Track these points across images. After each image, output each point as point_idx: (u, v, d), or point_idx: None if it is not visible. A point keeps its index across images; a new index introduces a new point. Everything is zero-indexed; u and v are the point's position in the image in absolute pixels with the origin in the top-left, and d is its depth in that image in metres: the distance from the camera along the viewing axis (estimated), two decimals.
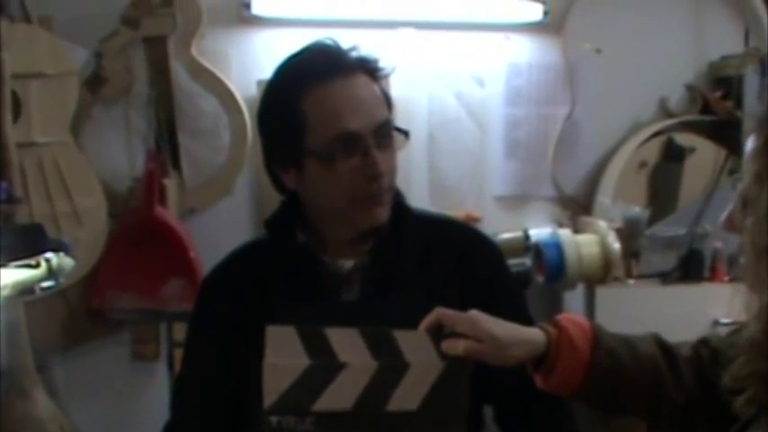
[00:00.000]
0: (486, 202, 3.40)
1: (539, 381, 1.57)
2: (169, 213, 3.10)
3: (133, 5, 3.10)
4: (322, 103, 1.66)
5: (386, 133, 1.69)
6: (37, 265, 2.15)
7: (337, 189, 1.67)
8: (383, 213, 1.71)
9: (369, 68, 1.71)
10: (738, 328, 1.51)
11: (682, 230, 3.11)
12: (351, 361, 1.45)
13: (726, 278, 3.07)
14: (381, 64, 1.73)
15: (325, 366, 1.45)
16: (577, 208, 3.41)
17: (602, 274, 2.99)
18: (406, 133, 1.74)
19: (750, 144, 1.35)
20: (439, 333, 1.48)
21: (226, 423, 1.84)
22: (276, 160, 1.75)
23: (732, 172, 3.23)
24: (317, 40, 1.75)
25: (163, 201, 3.09)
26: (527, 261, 3.13)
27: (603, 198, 3.29)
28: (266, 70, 1.76)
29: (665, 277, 3.08)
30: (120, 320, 3.17)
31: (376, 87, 1.72)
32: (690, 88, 3.41)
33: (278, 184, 1.79)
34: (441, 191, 3.37)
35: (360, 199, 1.68)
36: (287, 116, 1.67)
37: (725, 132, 3.27)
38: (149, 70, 3.15)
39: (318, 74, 1.67)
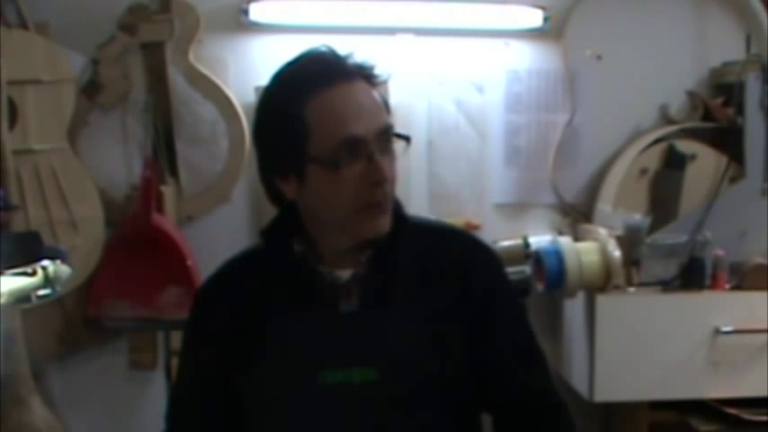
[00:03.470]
0: (486, 209, 3.41)
1: None
2: (166, 221, 3.11)
3: (130, 11, 3.13)
4: (325, 108, 1.63)
5: (388, 139, 1.68)
6: (33, 273, 2.16)
7: (341, 197, 1.65)
8: (386, 222, 1.70)
9: (366, 74, 1.70)
10: None
11: (683, 238, 3.09)
12: None
13: (727, 286, 3.06)
14: (378, 70, 1.72)
15: None
16: (578, 215, 3.41)
17: (602, 282, 2.98)
18: (407, 139, 1.72)
19: None
20: None
21: None
22: (275, 169, 1.72)
23: (733, 179, 3.23)
24: (311, 47, 1.74)
25: (160, 208, 3.10)
26: (527, 269, 3.12)
27: (604, 205, 3.29)
28: (264, 77, 1.75)
29: (665, 285, 3.06)
30: (117, 329, 3.18)
31: (375, 93, 1.71)
32: (691, 95, 3.40)
33: (274, 196, 1.77)
34: (440, 198, 3.38)
35: (364, 207, 1.66)
36: (287, 123, 1.65)
37: (726, 139, 3.27)
38: (147, 77, 3.17)
39: (319, 80, 1.65)
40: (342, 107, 1.63)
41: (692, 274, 3.05)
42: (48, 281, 2.22)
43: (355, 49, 1.72)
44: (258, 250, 1.86)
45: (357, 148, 1.62)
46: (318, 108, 1.63)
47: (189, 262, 3.07)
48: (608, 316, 2.97)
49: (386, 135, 1.67)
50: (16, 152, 2.94)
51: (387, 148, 1.67)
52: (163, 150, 3.19)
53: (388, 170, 1.66)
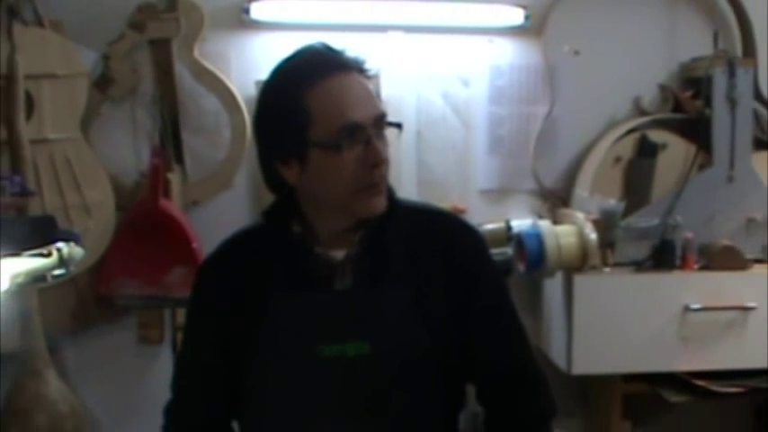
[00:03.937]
0: (471, 195, 3.45)
1: None
2: (173, 206, 3.16)
3: (139, 10, 3.17)
4: (325, 97, 1.69)
5: (382, 125, 1.76)
6: (49, 255, 2.11)
7: (341, 178, 1.70)
8: (382, 202, 1.77)
9: (360, 67, 1.78)
10: None
11: (654, 222, 3.14)
12: None
13: (696, 266, 3.11)
14: (368, 64, 1.81)
15: None
16: (556, 200, 3.45)
17: (579, 262, 3.02)
18: (399, 126, 1.81)
19: None
20: None
21: (224, 402, 1.89)
22: (277, 156, 1.76)
23: (702, 166, 3.27)
24: (306, 44, 1.82)
25: (167, 194, 3.15)
26: (509, 251, 3.15)
27: (581, 191, 3.34)
28: (264, 71, 1.82)
29: (638, 266, 3.12)
30: (126, 306, 3.22)
31: (369, 83, 1.78)
32: (662, 88, 3.45)
33: (273, 182, 1.82)
34: (428, 185, 3.42)
35: (362, 188, 1.72)
36: (290, 112, 1.69)
37: (695, 129, 3.30)
38: (154, 71, 3.22)
39: (318, 71, 1.72)
40: (341, 95, 1.70)
41: (663, 256, 3.11)
42: (62, 262, 2.11)
43: (348, 45, 1.80)
44: (258, 229, 1.93)
45: (356, 134, 1.70)
46: (319, 97, 1.70)
47: (194, 244, 3.09)
48: (585, 294, 3.03)
49: (381, 122, 1.75)
50: (33, 141, 2.98)
51: (381, 134, 1.75)
52: (169, 140, 3.22)
53: (384, 153, 1.74)
